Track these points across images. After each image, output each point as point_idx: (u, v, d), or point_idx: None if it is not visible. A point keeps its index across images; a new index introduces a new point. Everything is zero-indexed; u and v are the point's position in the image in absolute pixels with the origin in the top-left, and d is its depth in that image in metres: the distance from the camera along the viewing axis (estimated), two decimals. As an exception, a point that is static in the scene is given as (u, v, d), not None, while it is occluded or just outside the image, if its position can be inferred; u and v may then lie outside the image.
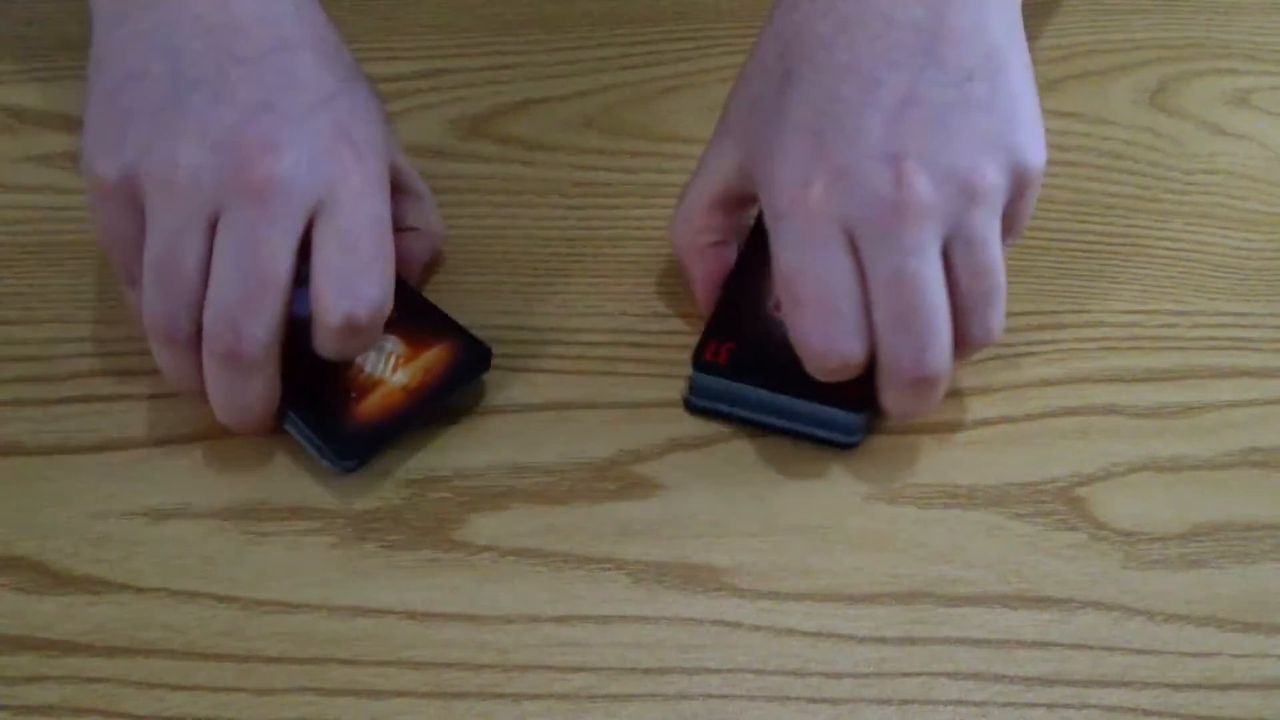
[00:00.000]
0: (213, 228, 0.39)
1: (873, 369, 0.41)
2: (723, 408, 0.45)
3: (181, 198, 0.39)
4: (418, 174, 0.48)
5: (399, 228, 0.44)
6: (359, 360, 0.44)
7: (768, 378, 0.44)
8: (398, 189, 0.45)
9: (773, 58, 0.42)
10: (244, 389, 0.41)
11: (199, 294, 0.40)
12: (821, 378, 0.41)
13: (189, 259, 0.39)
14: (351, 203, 0.40)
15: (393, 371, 0.44)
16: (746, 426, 0.45)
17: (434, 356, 0.44)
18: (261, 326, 0.39)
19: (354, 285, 0.40)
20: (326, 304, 0.40)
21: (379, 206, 0.41)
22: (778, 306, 0.44)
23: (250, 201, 0.39)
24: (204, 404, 0.42)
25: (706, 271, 0.46)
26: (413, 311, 0.45)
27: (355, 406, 0.43)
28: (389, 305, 0.41)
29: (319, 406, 0.43)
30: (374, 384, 0.44)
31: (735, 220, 0.46)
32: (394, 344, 0.44)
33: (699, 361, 0.44)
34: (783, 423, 0.45)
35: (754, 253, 0.46)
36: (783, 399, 0.44)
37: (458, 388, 0.45)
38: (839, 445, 0.45)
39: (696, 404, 0.45)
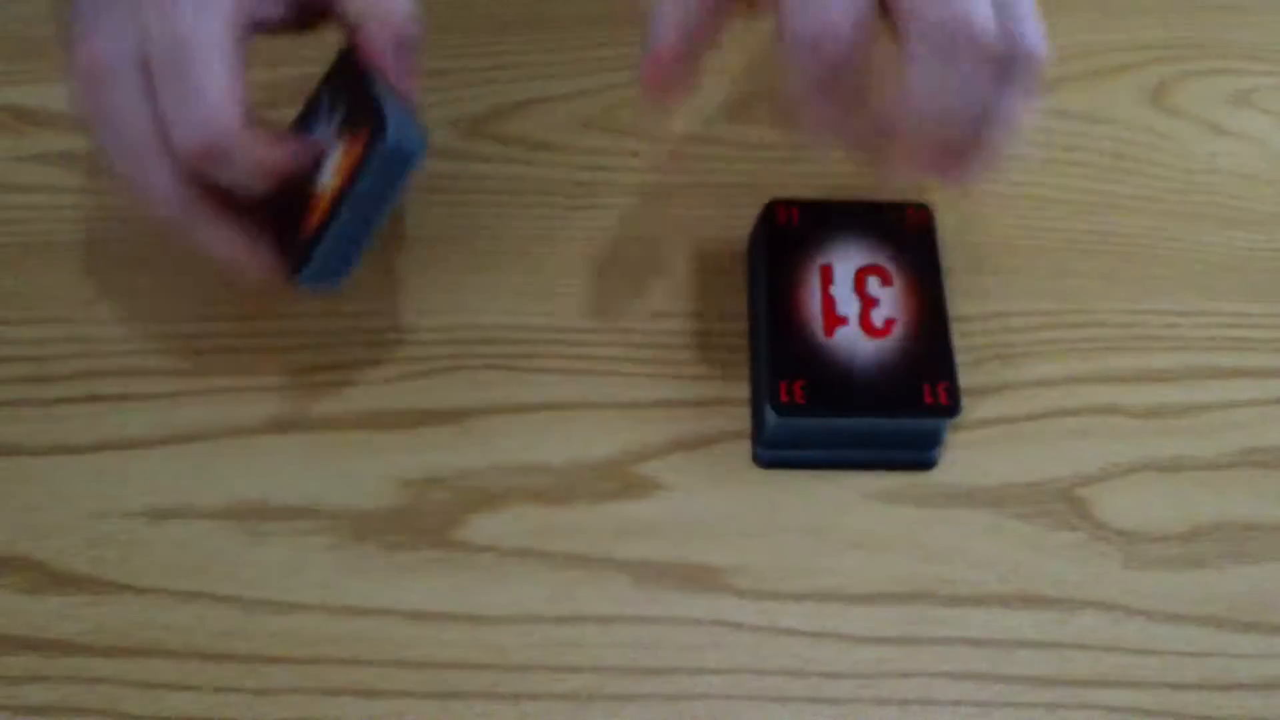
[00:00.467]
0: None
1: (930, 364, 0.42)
2: (795, 454, 0.44)
3: None
4: None
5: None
6: (314, 182, 0.42)
7: (849, 405, 0.42)
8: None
9: None
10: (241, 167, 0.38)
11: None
12: (813, 65, 0.35)
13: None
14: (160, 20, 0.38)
15: (332, 178, 0.41)
16: (819, 468, 0.44)
17: (356, 153, 0.40)
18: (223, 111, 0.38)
19: (184, 115, 0.38)
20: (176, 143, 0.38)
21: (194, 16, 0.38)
22: (828, 331, 0.43)
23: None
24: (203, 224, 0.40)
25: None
26: (362, 109, 0.41)
27: (302, 224, 0.41)
28: (230, 113, 0.38)
29: (285, 236, 0.42)
30: (316, 198, 0.41)
31: None
32: (337, 151, 0.41)
33: (778, 405, 0.42)
34: (862, 454, 0.44)
35: (784, 287, 0.45)
36: (868, 423, 0.43)
37: (369, 179, 0.40)
38: (920, 465, 0.44)
39: (767, 457, 0.45)
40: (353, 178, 0.40)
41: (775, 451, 0.44)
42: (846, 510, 0.43)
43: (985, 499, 0.44)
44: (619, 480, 0.44)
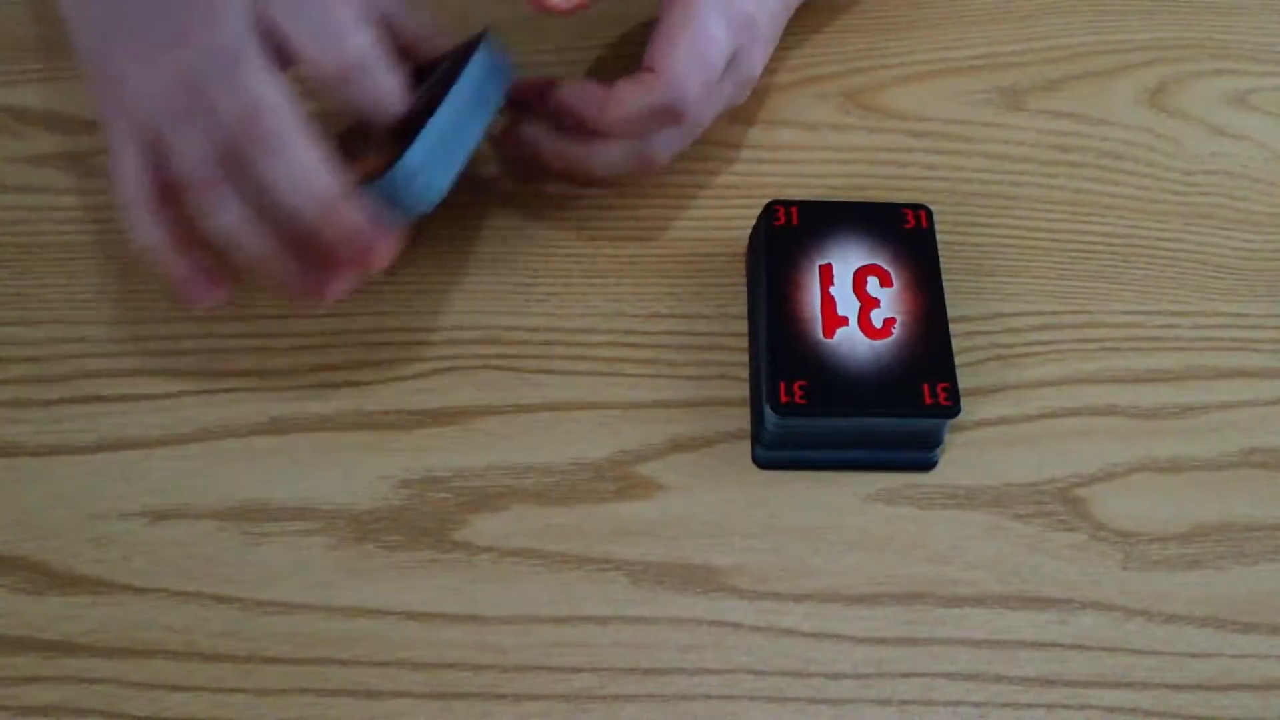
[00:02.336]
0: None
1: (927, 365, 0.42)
2: (795, 455, 0.44)
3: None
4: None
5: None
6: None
7: (849, 405, 0.42)
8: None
9: None
10: (379, 84, 0.42)
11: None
12: None
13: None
14: None
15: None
16: (819, 469, 0.45)
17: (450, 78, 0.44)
18: (359, 33, 0.41)
19: (326, 32, 0.41)
20: (319, 65, 0.41)
21: None
22: (828, 331, 0.44)
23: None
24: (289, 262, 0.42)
25: None
26: (455, 61, 0.45)
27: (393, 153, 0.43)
28: (367, 36, 0.41)
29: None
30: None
31: None
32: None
33: (777, 405, 0.42)
34: (862, 455, 0.44)
35: (784, 287, 0.45)
36: (867, 423, 0.43)
37: (466, 81, 0.43)
38: (921, 466, 0.44)
39: (766, 458, 0.45)
40: (449, 84, 0.43)
41: (775, 453, 0.44)
42: (846, 510, 0.44)
43: (985, 499, 0.44)
44: (619, 480, 0.44)
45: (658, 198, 0.52)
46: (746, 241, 0.50)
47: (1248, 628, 0.41)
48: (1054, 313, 0.49)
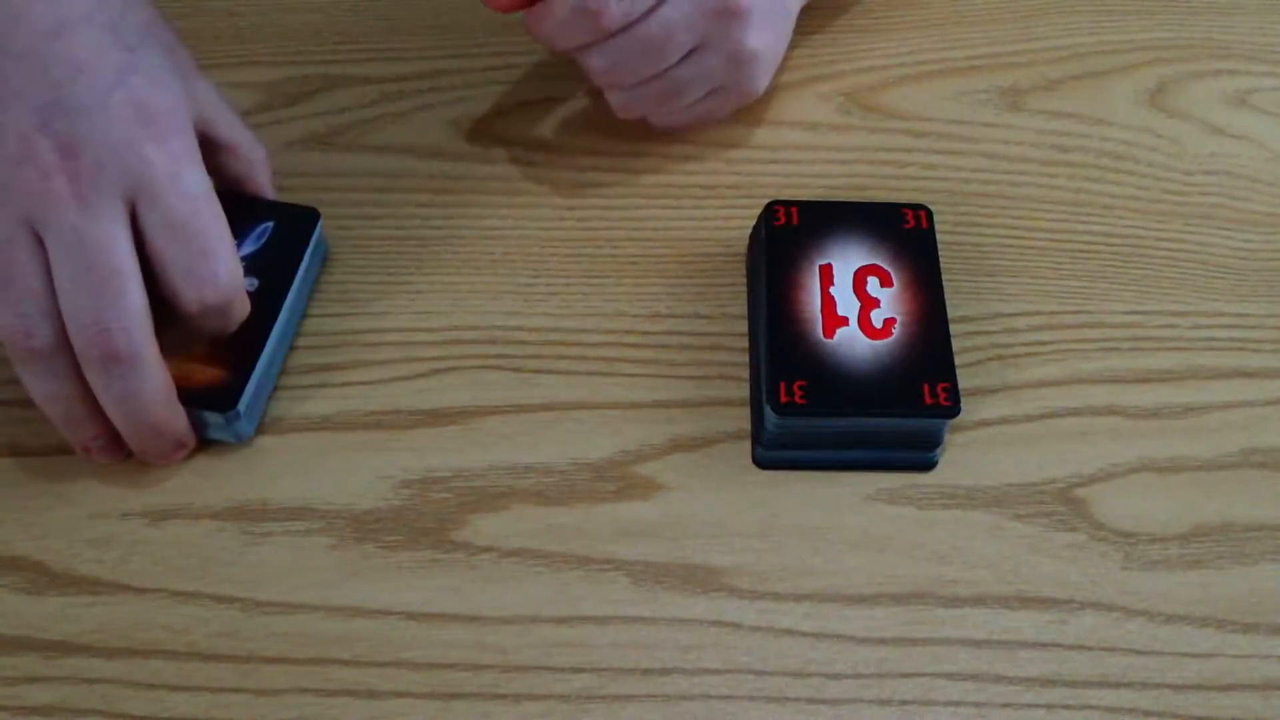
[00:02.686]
0: (37, 237, 0.39)
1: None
2: (794, 455, 0.44)
3: None
4: (227, 109, 0.46)
5: (227, 179, 0.46)
6: None
7: (849, 405, 0.42)
8: (212, 144, 0.45)
9: None
10: (137, 387, 0.40)
11: (48, 300, 0.39)
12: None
13: (26, 264, 0.39)
14: (167, 189, 0.40)
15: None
16: (819, 469, 0.44)
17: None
18: (127, 315, 0.39)
19: (198, 271, 0.40)
20: (181, 297, 0.40)
21: (195, 183, 0.41)
22: (828, 331, 0.44)
23: (65, 209, 0.38)
24: (96, 434, 0.42)
25: None
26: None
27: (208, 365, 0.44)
28: (238, 274, 0.42)
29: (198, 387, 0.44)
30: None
31: None
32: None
33: (778, 405, 0.42)
34: (863, 455, 0.44)
35: (784, 287, 0.45)
36: (867, 423, 0.42)
37: (305, 264, 0.47)
38: (921, 466, 0.44)
39: (766, 458, 0.44)
40: (281, 274, 0.46)
41: (775, 453, 0.44)
42: (846, 510, 0.43)
43: (985, 499, 0.44)
44: (619, 480, 0.44)
45: (658, 198, 0.52)
46: (746, 241, 0.50)
47: (1248, 628, 0.41)
48: (1054, 313, 0.49)
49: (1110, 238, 0.51)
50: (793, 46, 0.57)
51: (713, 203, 0.52)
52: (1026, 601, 0.41)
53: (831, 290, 0.45)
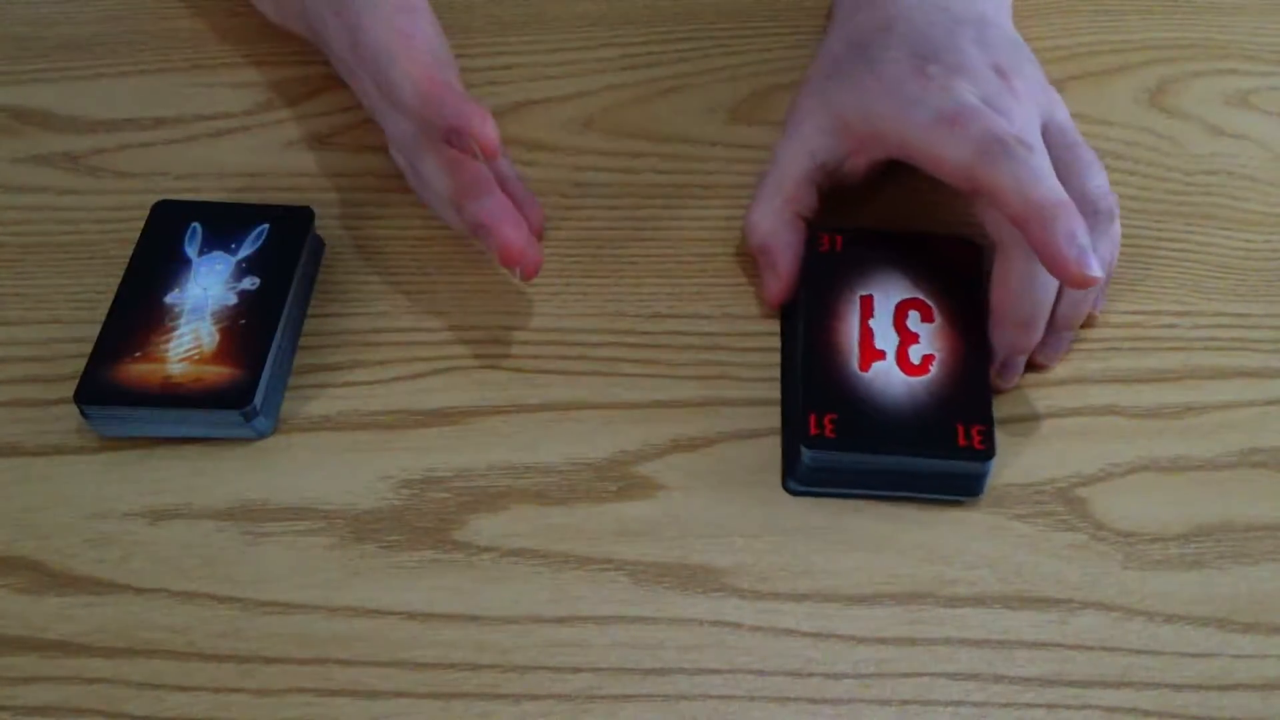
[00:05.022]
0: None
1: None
2: (827, 490, 0.43)
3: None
4: None
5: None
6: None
7: (878, 443, 0.41)
8: None
9: (841, 46, 0.49)
10: None
11: None
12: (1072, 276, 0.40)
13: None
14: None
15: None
16: (855, 499, 0.43)
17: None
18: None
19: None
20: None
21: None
22: (864, 364, 0.43)
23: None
24: None
25: (790, 243, 0.47)
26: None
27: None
28: None
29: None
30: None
31: (818, 194, 0.48)
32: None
33: (806, 437, 0.41)
34: (898, 492, 0.43)
35: (822, 316, 0.44)
36: (897, 461, 0.42)
37: (301, 270, 0.48)
38: (960, 500, 0.43)
39: (799, 490, 0.43)
40: (281, 273, 0.47)
41: (808, 487, 0.43)
42: (846, 510, 0.43)
43: (985, 499, 0.44)
44: (619, 480, 0.44)
45: (658, 198, 0.52)
46: (746, 241, 0.50)
47: (1248, 628, 0.41)
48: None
49: (1110, 238, 0.51)
50: (796, 47, 0.57)
51: (713, 203, 0.52)
52: (1026, 601, 0.41)
53: (870, 322, 0.44)
